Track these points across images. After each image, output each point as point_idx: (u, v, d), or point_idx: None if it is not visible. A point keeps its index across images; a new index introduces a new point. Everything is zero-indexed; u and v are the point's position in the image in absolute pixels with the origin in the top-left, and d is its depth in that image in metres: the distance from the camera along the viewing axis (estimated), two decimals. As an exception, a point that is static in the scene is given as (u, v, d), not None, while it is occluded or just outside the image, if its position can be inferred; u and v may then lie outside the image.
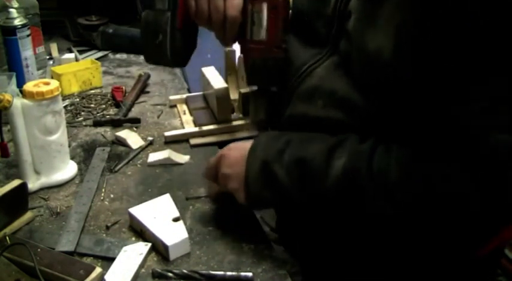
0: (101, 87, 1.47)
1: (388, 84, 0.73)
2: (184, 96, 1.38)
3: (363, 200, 0.74)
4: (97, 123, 1.26)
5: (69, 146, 1.14)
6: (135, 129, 1.25)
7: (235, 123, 1.22)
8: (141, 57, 1.69)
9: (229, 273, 0.81)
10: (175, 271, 0.81)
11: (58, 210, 0.97)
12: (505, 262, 1.83)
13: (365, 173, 0.72)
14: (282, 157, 0.79)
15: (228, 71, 1.36)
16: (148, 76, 1.50)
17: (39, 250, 0.82)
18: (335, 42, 0.84)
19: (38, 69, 1.47)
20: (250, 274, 0.81)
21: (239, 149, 0.86)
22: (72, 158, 1.10)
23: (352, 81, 0.79)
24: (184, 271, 0.81)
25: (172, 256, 0.84)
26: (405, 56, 0.69)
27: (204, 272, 0.81)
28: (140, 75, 1.47)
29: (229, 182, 0.86)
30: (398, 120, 0.74)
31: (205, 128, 1.21)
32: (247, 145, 0.84)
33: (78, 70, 1.44)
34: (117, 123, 1.26)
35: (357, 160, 0.74)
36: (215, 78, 1.26)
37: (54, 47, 1.68)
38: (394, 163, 0.72)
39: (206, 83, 1.29)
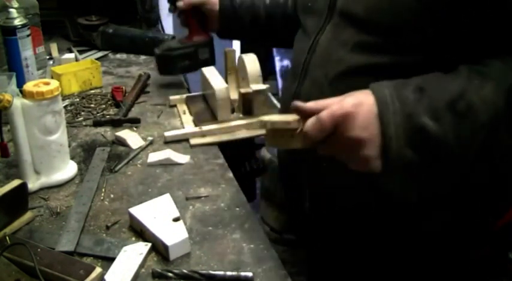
0: (101, 87, 1.47)
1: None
2: (184, 96, 1.38)
3: None
4: (97, 123, 1.26)
5: (69, 146, 1.14)
6: (135, 129, 1.25)
7: (235, 123, 1.22)
8: (141, 57, 1.70)
9: (229, 273, 0.81)
10: (175, 270, 0.81)
11: (58, 210, 0.97)
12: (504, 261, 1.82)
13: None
14: (423, 102, 0.68)
15: (228, 71, 1.36)
16: (148, 76, 1.50)
17: (39, 250, 0.82)
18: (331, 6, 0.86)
19: (38, 69, 1.47)
20: (250, 274, 0.81)
21: (366, 105, 0.70)
22: (72, 158, 1.10)
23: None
24: (184, 271, 0.81)
25: (173, 256, 0.84)
26: None
27: (204, 272, 0.81)
28: (140, 75, 1.47)
29: (363, 148, 0.69)
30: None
31: (205, 128, 1.21)
32: (369, 98, 0.70)
33: (79, 70, 1.44)
34: (117, 124, 1.26)
35: (504, 76, 0.68)
36: (215, 78, 1.26)
37: (54, 47, 1.68)
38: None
39: (206, 83, 1.29)
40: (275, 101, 2.49)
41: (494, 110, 0.67)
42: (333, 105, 0.69)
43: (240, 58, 1.28)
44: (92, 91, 1.45)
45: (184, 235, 0.86)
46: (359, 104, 0.69)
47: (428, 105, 0.68)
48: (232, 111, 1.24)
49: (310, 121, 0.70)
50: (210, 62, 1.40)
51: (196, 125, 1.24)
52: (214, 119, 1.24)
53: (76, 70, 1.44)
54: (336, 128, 0.69)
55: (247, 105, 1.23)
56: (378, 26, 0.76)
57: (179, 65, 1.41)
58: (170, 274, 0.80)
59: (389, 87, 0.70)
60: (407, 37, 0.74)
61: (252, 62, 1.24)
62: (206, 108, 1.29)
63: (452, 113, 0.67)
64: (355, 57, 0.80)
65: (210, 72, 1.28)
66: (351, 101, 0.70)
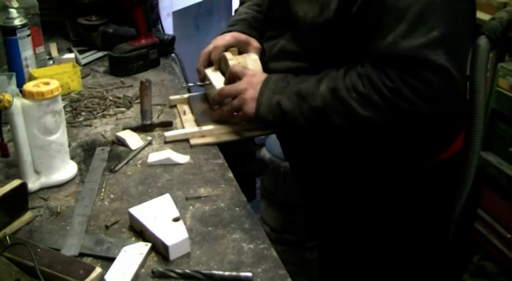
0: (80, 91, 1.45)
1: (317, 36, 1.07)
2: (185, 96, 1.38)
3: (346, 108, 1.00)
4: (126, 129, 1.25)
5: (69, 146, 1.14)
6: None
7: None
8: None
9: (227, 273, 0.81)
10: (177, 270, 0.81)
11: (58, 210, 0.97)
12: (504, 261, 1.83)
13: (342, 87, 1.01)
14: (285, 90, 1.08)
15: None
16: (150, 82, 1.49)
17: (39, 250, 0.82)
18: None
19: (38, 68, 1.47)
20: (249, 274, 0.81)
21: (257, 78, 1.14)
22: (72, 158, 1.10)
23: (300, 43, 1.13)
24: (187, 270, 0.81)
25: (173, 256, 0.84)
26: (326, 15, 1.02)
27: (206, 272, 0.81)
28: (142, 82, 1.46)
29: (246, 92, 1.13)
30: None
31: (205, 128, 1.21)
32: (262, 76, 1.14)
33: (56, 74, 1.40)
34: (149, 128, 1.24)
35: (336, 80, 1.03)
36: (217, 78, 1.26)
37: (53, 47, 1.68)
38: (359, 79, 0.99)
39: (208, 82, 1.28)
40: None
41: (323, 101, 1.02)
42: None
43: (243, 59, 1.28)
44: (93, 91, 1.45)
45: (185, 235, 0.86)
46: (252, 74, 1.16)
47: (287, 91, 1.08)
48: None
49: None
50: (158, 62, 1.63)
51: (198, 125, 1.24)
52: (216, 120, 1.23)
53: (53, 74, 1.40)
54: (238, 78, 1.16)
55: None
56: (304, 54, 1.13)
57: (135, 65, 1.57)
58: (173, 274, 0.80)
59: (276, 76, 1.12)
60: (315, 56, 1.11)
61: (253, 62, 1.24)
62: (208, 108, 1.29)
63: (298, 97, 1.06)
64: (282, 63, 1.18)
65: (212, 72, 1.28)
66: (251, 73, 1.17)
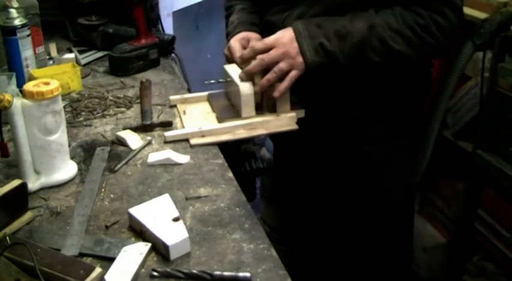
0: (80, 92, 1.45)
1: None
2: (185, 96, 1.38)
3: (382, 43, 1.12)
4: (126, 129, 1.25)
5: (69, 146, 1.14)
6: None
7: (258, 119, 1.21)
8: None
9: (226, 273, 0.81)
10: (184, 270, 0.81)
11: (58, 210, 0.97)
12: (504, 261, 1.83)
13: (378, 24, 1.12)
14: (319, 33, 1.14)
15: None
16: (150, 82, 1.49)
17: (39, 250, 0.82)
18: None
19: (38, 69, 1.47)
20: (248, 274, 0.81)
21: (287, 36, 1.16)
22: (72, 158, 1.10)
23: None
24: (194, 271, 0.81)
25: (173, 255, 0.84)
26: None
27: (208, 272, 0.81)
28: (142, 82, 1.46)
29: (288, 53, 1.15)
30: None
31: (205, 128, 1.21)
32: (289, 31, 1.16)
33: (56, 74, 1.40)
34: (149, 128, 1.24)
35: (370, 18, 1.13)
36: (238, 74, 1.25)
37: (53, 47, 1.68)
38: (394, 17, 1.12)
39: (229, 80, 1.27)
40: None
41: (361, 36, 1.12)
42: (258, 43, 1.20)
43: None
44: (93, 91, 1.45)
45: (185, 234, 0.86)
46: (280, 36, 1.17)
47: (323, 33, 1.14)
48: (257, 108, 1.23)
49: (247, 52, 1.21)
50: (158, 62, 1.63)
51: (219, 122, 1.23)
52: (237, 116, 1.23)
53: (53, 74, 1.40)
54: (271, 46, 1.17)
55: (270, 102, 1.23)
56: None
57: (135, 65, 1.58)
58: (180, 274, 0.80)
59: (301, 24, 1.16)
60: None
61: None
62: (229, 105, 1.29)
63: (336, 36, 1.13)
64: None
65: (233, 70, 1.27)
66: (273, 36, 1.18)
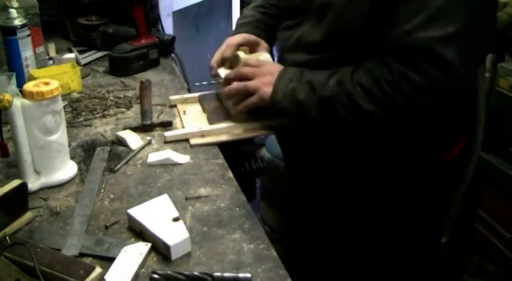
0: (80, 92, 1.45)
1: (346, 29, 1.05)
2: (185, 96, 1.38)
3: (350, 100, 1.02)
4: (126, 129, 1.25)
5: (69, 146, 1.14)
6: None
7: (248, 122, 1.21)
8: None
9: (227, 274, 0.81)
10: (186, 272, 0.81)
11: (58, 210, 0.97)
12: (504, 261, 1.83)
13: (349, 80, 1.03)
14: (301, 80, 1.09)
15: None
16: (150, 82, 1.49)
17: (39, 250, 0.82)
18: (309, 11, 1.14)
19: (38, 69, 1.47)
20: (248, 275, 0.80)
21: (275, 66, 1.17)
22: (72, 158, 1.10)
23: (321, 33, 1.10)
24: (196, 273, 0.81)
25: (174, 255, 0.84)
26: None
27: (208, 273, 0.81)
28: (142, 82, 1.46)
29: (264, 77, 1.13)
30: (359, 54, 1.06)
31: (205, 128, 1.21)
32: (279, 66, 1.16)
33: (56, 74, 1.39)
34: (149, 128, 1.24)
35: (344, 74, 1.04)
36: None
37: (52, 47, 1.68)
38: (364, 73, 1.02)
39: (220, 81, 1.28)
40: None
41: (330, 92, 1.04)
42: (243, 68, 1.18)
43: (255, 57, 1.27)
44: (93, 91, 1.45)
45: (185, 234, 0.86)
46: (268, 63, 1.20)
47: (302, 80, 1.08)
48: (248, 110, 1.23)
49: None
50: (158, 62, 1.63)
51: (210, 123, 1.23)
52: (228, 117, 1.23)
53: (53, 74, 1.39)
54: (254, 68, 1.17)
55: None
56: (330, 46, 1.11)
57: (134, 65, 1.57)
58: (181, 276, 0.80)
59: (292, 68, 1.13)
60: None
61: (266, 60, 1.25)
62: (220, 106, 1.29)
63: (308, 86, 1.07)
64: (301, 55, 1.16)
65: (224, 71, 1.27)
66: (262, 61, 1.20)
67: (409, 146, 1.11)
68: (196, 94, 1.38)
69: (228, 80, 1.19)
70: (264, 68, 1.16)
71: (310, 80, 1.07)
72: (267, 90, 1.11)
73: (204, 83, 1.31)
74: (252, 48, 1.31)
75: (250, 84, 1.14)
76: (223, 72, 1.28)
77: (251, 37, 1.31)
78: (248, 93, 1.14)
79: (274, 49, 1.39)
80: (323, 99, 1.05)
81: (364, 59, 1.04)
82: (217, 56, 1.32)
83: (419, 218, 1.22)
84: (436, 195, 1.20)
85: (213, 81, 1.31)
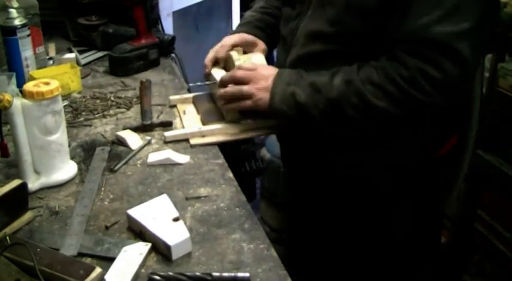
0: (80, 92, 1.45)
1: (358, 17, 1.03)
2: (185, 96, 1.38)
3: (361, 99, 1.01)
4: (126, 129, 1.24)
5: (69, 146, 1.14)
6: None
7: (242, 122, 1.22)
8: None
9: (226, 274, 0.81)
10: (188, 273, 0.81)
11: (58, 210, 0.97)
12: (504, 261, 1.83)
13: (357, 79, 1.01)
14: (299, 82, 1.08)
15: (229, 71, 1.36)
16: (150, 82, 1.49)
17: (39, 250, 0.82)
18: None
19: (38, 69, 1.47)
20: (247, 275, 0.80)
21: (270, 70, 1.15)
22: (72, 158, 1.10)
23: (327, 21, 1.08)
24: (198, 273, 0.81)
25: (175, 255, 0.84)
26: None
27: (206, 273, 0.81)
28: (142, 82, 1.46)
29: (258, 82, 1.12)
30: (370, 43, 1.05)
31: (205, 127, 1.21)
32: (274, 70, 1.14)
33: (56, 74, 1.39)
34: (149, 128, 1.24)
35: (350, 73, 1.03)
36: None
37: (52, 48, 1.68)
38: (375, 70, 1.01)
39: (214, 82, 1.28)
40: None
41: (338, 92, 1.03)
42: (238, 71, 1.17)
43: (248, 58, 1.28)
44: (94, 91, 1.45)
45: (186, 234, 0.86)
46: (263, 67, 1.18)
47: (301, 83, 1.08)
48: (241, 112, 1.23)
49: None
50: (158, 62, 1.63)
51: (203, 124, 1.23)
52: (222, 118, 1.23)
53: (54, 74, 1.39)
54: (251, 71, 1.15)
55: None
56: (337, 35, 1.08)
57: (134, 65, 1.58)
58: (183, 277, 0.80)
59: (288, 70, 1.13)
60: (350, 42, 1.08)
61: (259, 62, 1.24)
62: (214, 107, 1.29)
63: (311, 88, 1.06)
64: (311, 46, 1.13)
65: (218, 73, 1.27)
66: (257, 65, 1.20)
67: (397, 138, 1.12)
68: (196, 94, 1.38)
69: (223, 83, 1.19)
70: (258, 72, 1.14)
71: (313, 82, 1.06)
72: (262, 96, 1.11)
73: (199, 83, 1.31)
74: (248, 48, 1.31)
75: (245, 89, 1.13)
76: (216, 72, 1.28)
77: (248, 37, 1.31)
78: (243, 97, 1.14)
79: (275, 50, 1.38)
80: (329, 101, 1.04)
81: (375, 50, 1.04)
82: (211, 55, 1.31)
83: (417, 215, 1.23)
84: (430, 191, 1.22)
85: (207, 82, 1.31)
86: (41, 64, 1.52)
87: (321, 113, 1.05)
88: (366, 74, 1.01)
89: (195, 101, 1.35)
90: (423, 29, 0.94)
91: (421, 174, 1.18)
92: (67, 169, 1.06)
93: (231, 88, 1.16)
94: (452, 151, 1.20)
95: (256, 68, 1.17)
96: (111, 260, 0.83)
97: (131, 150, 1.17)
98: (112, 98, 1.41)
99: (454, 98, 1.01)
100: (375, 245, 1.23)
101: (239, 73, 1.16)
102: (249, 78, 1.14)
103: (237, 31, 1.35)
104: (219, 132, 1.20)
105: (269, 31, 1.34)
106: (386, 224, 1.21)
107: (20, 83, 1.29)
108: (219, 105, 1.25)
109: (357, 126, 1.06)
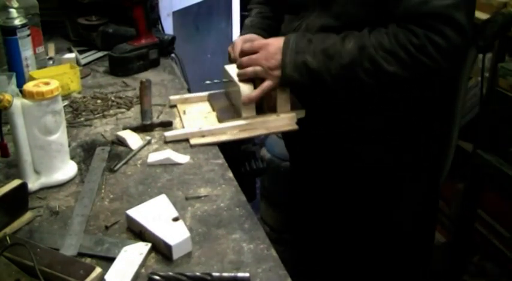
0: (80, 92, 1.45)
1: None
2: (185, 96, 1.38)
3: (373, 65, 1.07)
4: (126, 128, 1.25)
5: (69, 146, 1.14)
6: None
7: (258, 120, 1.22)
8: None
9: (226, 274, 0.81)
10: (188, 273, 0.81)
11: (58, 210, 0.97)
12: (504, 261, 1.83)
13: (369, 45, 1.07)
14: (308, 49, 1.12)
15: None
16: (150, 82, 1.49)
17: (39, 250, 0.82)
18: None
19: (38, 69, 1.47)
20: (247, 275, 0.80)
21: (274, 44, 1.17)
22: (72, 158, 1.10)
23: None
24: (198, 273, 0.81)
25: (176, 255, 0.84)
26: None
27: (206, 273, 0.81)
28: (142, 82, 1.46)
29: (268, 61, 1.16)
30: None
31: (205, 128, 1.21)
32: (279, 41, 1.16)
33: (56, 75, 1.38)
34: (149, 128, 1.24)
35: (361, 38, 1.09)
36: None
37: (51, 48, 1.68)
38: (386, 36, 1.07)
39: (229, 80, 1.28)
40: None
41: (350, 58, 1.08)
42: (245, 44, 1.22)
43: None
44: (94, 91, 1.45)
45: (186, 234, 0.86)
46: (269, 43, 1.18)
47: (311, 50, 1.12)
48: (257, 108, 1.23)
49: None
50: (158, 62, 1.64)
51: (219, 122, 1.24)
52: (238, 116, 1.23)
53: (53, 75, 1.38)
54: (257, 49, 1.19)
55: (271, 102, 1.23)
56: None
57: (134, 65, 1.58)
58: (184, 277, 0.79)
59: (294, 36, 1.15)
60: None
61: None
62: (230, 105, 1.29)
63: (323, 55, 1.11)
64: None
65: (233, 70, 1.27)
66: (263, 41, 1.22)
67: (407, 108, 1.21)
68: (196, 94, 1.38)
69: (234, 59, 1.26)
70: (266, 47, 1.18)
71: (325, 49, 1.11)
72: (276, 74, 1.15)
73: (216, 81, 1.30)
74: None
75: (258, 70, 1.17)
76: (232, 70, 1.27)
77: (254, 36, 1.33)
78: (256, 75, 1.19)
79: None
80: (342, 67, 1.09)
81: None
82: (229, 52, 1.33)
83: (413, 212, 1.30)
84: (415, 182, 1.30)
85: (223, 80, 1.31)
86: (41, 64, 1.52)
87: (333, 78, 1.11)
88: (378, 40, 1.07)
89: (210, 99, 1.35)
90: (424, 4, 1.03)
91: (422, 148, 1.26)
92: (67, 169, 1.06)
93: (246, 70, 1.20)
94: (435, 140, 1.30)
95: (263, 41, 1.22)
96: (111, 260, 0.83)
97: (131, 150, 1.17)
98: (112, 98, 1.41)
99: (456, 64, 1.13)
100: (378, 240, 1.25)
101: (246, 46, 1.21)
102: (258, 48, 1.18)
103: (243, 34, 1.37)
104: (219, 132, 1.20)
105: (271, 31, 1.36)
106: (387, 223, 1.23)
107: (20, 83, 1.29)
108: (235, 103, 1.26)
109: (367, 89, 1.13)
